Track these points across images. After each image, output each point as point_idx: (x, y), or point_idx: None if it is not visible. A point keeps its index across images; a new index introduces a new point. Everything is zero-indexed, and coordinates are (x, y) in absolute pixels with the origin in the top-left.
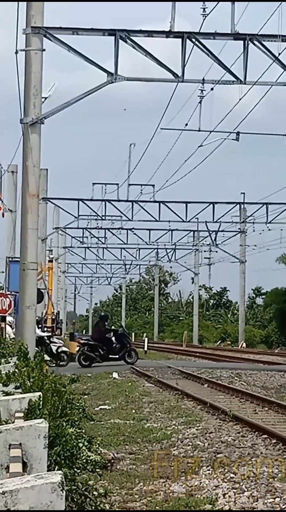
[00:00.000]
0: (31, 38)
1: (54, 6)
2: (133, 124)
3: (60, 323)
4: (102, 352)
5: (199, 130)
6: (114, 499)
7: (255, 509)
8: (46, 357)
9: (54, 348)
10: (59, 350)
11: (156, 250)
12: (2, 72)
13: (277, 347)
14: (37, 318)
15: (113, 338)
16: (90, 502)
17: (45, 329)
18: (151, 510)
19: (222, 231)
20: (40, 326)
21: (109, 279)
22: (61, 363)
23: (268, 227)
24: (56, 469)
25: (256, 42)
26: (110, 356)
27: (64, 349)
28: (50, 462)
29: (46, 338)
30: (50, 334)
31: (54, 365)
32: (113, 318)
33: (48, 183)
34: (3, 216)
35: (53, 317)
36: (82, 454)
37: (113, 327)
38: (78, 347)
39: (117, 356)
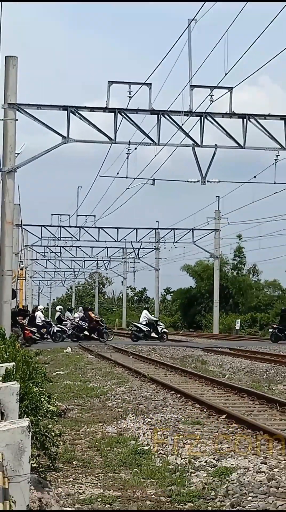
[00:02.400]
0: (7, 111)
1: (24, 85)
2: (80, 172)
3: (28, 314)
4: None
5: (126, 177)
6: (66, 438)
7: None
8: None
9: (159, 329)
10: (162, 330)
11: (96, 261)
12: None
13: (181, 329)
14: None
15: None
16: (49, 440)
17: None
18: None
19: (142, 248)
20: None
21: (63, 282)
22: (161, 340)
23: (175, 245)
24: (25, 417)
25: (166, 116)
26: None
27: (166, 330)
28: (21, 412)
29: (155, 322)
30: (158, 318)
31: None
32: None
33: (20, 214)
34: None
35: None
36: (43, 406)
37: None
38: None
39: None
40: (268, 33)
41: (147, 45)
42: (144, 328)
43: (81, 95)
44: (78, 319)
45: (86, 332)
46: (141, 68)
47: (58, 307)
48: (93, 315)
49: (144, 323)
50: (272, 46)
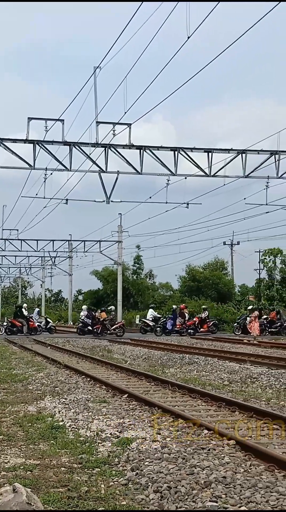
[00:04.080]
0: None
1: None
2: (4, 193)
3: None
4: None
5: (44, 197)
6: None
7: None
8: None
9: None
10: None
11: (19, 268)
12: None
13: None
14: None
15: None
16: None
17: None
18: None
19: (58, 256)
20: None
21: None
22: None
23: (85, 254)
24: None
25: (76, 147)
26: None
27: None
28: None
29: (159, 318)
30: (161, 315)
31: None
32: None
33: None
34: None
35: None
36: None
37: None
38: None
39: None
40: (160, 79)
41: (61, 87)
42: (151, 323)
43: (5, 127)
44: (84, 316)
45: (89, 327)
46: (56, 106)
47: (83, 307)
48: (97, 314)
49: (151, 319)
50: (164, 90)
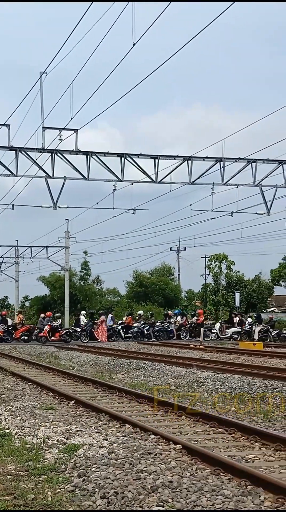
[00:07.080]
0: None
1: None
2: None
3: None
4: None
5: None
6: None
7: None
8: None
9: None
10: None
11: None
12: None
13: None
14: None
15: None
16: None
17: None
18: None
19: (4, 262)
20: None
21: None
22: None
23: (32, 260)
24: None
25: (23, 152)
26: None
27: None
28: None
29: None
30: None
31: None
32: None
33: None
34: None
35: None
36: None
37: None
38: None
39: None
40: (107, 85)
41: (6, 92)
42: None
43: None
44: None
45: None
46: (1, 111)
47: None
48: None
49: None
50: (110, 96)
